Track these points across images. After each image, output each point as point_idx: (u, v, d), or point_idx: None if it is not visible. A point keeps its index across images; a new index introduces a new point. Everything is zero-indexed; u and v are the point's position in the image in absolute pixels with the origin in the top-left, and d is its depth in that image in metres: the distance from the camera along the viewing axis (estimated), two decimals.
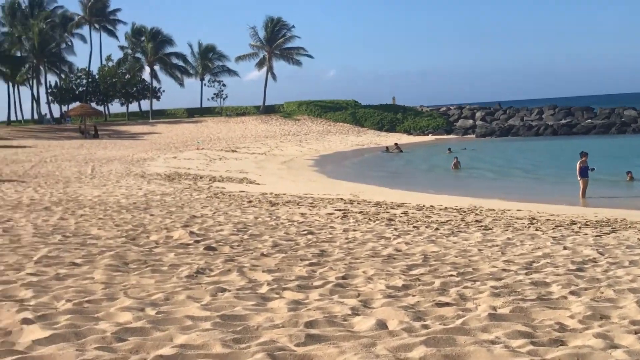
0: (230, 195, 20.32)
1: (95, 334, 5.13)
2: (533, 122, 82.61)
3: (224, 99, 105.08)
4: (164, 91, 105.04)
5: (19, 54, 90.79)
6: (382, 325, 5.52)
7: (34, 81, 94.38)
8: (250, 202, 18.24)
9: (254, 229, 12.29)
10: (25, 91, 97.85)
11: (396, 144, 60.49)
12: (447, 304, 6.37)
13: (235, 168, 37.22)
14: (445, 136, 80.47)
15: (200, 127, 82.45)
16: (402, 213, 16.22)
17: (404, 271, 8.24)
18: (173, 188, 22.28)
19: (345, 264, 8.67)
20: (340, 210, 16.49)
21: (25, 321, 5.49)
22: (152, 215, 14.19)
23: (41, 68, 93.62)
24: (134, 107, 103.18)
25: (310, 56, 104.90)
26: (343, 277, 7.72)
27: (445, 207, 18.20)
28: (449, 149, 52.23)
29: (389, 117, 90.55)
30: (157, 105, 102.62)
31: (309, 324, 5.48)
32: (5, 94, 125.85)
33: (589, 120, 79.90)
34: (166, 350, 4.72)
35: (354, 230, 12.49)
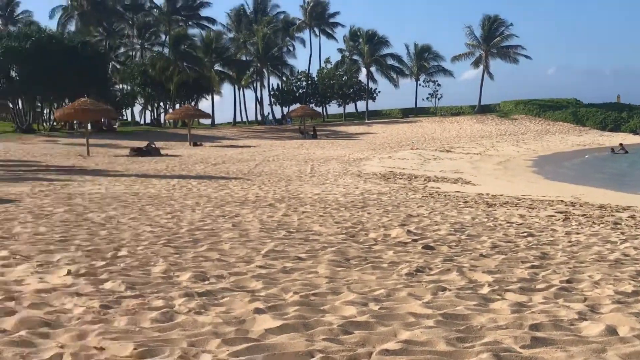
0: (445, 195, 20.24)
1: (323, 326, 5.33)
2: None
3: (438, 99, 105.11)
4: (379, 92, 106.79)
5: (244, 58, 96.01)
6: (612, 331, 5.29)
7: (258, 84, 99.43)
8: (466, 202, 18.07)
9: (472, 229, 12.17)
10: (249, 93, 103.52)
11: (621, 144, 57.47)
12: None
13: (450, 168, 36.98)
14: None
15: (414, 127, 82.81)
16: (628, 217, 15.39)
17: (633, 277, 7.83)
18: (388, 187, 22.55)
19: (569, 268, 8.37)
20: (561, 212, 15.93)
21: (257, 311, 5.80)
22: (369, 213, 14.44)
23: (264, 71, 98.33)
24: (350, 107, 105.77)
25: (528, 57, 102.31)
26: (567, 281, 7.47)
27: None
28: None
29: (612, 116, 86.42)
30: (372, 105, 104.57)
31: (534, 327, 5.36)
32: (231, 96, 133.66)
33: None
34: (391, 345, 4.81)
35: (577, 234, 12.01)
